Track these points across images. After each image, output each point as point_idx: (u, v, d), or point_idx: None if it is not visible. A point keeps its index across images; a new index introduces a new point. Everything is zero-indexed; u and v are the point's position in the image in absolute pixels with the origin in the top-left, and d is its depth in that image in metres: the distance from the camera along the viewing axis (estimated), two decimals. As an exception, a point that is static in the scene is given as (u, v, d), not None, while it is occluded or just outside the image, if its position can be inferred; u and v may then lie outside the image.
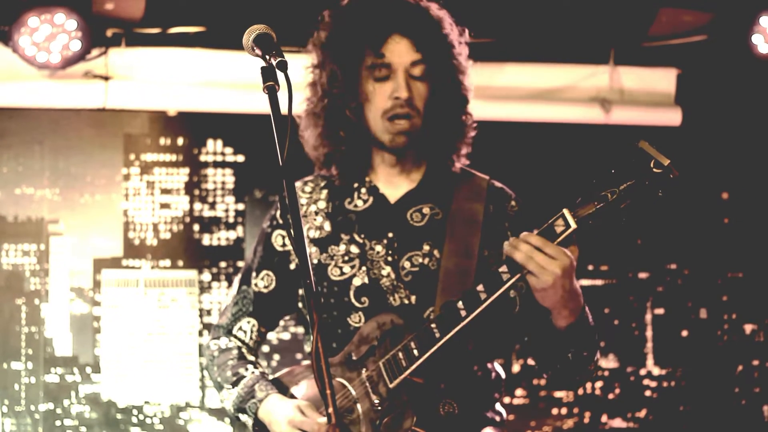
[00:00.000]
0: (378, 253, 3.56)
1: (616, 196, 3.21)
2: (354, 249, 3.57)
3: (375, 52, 3.51)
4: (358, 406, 3.40)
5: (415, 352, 3.33)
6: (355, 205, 3.64)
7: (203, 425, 6.28)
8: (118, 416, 6.19)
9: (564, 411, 6.68)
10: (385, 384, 3.38)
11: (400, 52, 3.51)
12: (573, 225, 3.23)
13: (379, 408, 3.37)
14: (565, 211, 3.25)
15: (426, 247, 3.55)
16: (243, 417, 3.52)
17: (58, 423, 6.12)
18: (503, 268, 3.26)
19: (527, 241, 3.23)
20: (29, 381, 6.12)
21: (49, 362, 6.15)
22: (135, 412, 6.21)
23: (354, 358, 3.45)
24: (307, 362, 3.68)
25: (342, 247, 3.58)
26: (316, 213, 3.66)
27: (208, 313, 6.35)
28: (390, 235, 3.57)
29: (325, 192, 3.69)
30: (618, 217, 3.22)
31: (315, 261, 3.58)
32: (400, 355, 3.36)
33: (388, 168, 3.65)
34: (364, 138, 3.59)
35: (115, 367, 6.23)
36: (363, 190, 3.64)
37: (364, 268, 3.54)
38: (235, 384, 3.55)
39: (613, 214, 3.21)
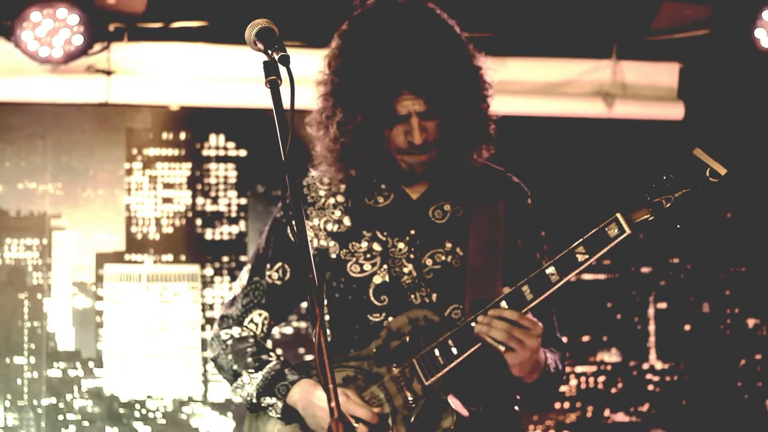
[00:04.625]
0: (400, 250, 3.53)
1: (671, 204, 3.21)
2: (376, 246, 3.54)
3: (386, 109, 3.44)
4: (390, 402, 3.38)
5: (454, 350, 3.32)
6: (376, 202, 3.60)
7: (206, 419, 6.28)
8: (121, 410, 6.20)
9: (567, 405, 6.68)
10: (420, 381, 3.35)
11: (412, 105, 3.43)
12: (627, 230, 3.23)
13: (414, 405, 3.35)
14: (619, 216, 3.23)
15: (448, 245, 3.53)
16: (269, 399, 3.46)
17: (60, 417, 6.12)
18: (551, 270, 3.26)
19: (503, 317, 3.25)
20: (32, 375, 6.13)
21: (52, 357, 6.16)
22: (138, 406, 6.22)
23: (382, 352, 3.43)
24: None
25: (364, 244, 3.55)
26: (335, 206, 3.62)
27: (211, 307, 6.36)
28: (412, 232, 3.55)
29: (343, 186, 3.64)
30: (672, 224, 3.22)
31: (333, 256, 3.55)
32: (437, 352, 3.33)
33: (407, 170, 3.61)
34: (384, 165, 3.55)
35: (117, 361, 6.24)
36: (383, 186, 3.61)
37: (385, 266, 3.51)
38: (258, 369, 3.50)
39: (668, 222, 3.22)
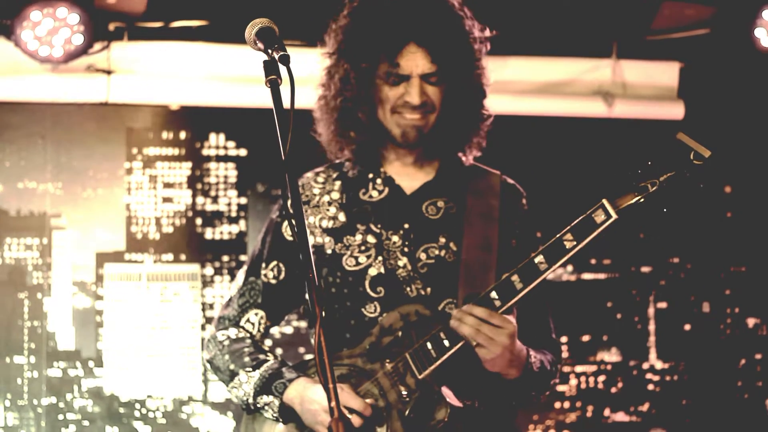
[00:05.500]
0: (395, 243, 3.55)
1: (656, 187, 3.23)
2: (371, 239, 3.56)
3: (390, 62, 3.49)
4: (384, 397, 3.39)
5: (446, 342, 3.34)
6: (370, 196, 3.63)
7: (206, 419, 6.28)
8: (121, 410, 6.20)
9: (567, 405, 6.68)
10: (413, 375, 3.38)
11: (415, 62, 3.48)
12: (614, 216, 3.25)
13: (408, 399, 3.37)
14: (605, 202, 3.26)
15: (442, 240, 3.56)
16: (266, 398, 3.48)
17: (60, 417, 6.12)
18: (539, 258, 3.27)
19: (472, 314, 3.28)
20: (32, 375, 6.12)
21: (52, 356, 6.16)
22: (138, 406, 6.22)
23: (375, 349, 3.45)
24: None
25: (358, 237, 3.57)
26: (329, 203, 3.65)
27: (211, 307, 6.36)
28: (406, 226, 3.57)
29: (338, 183, 3.68)
30: (659, 208, 3.22)
31: (329, 251, 3.58)
32: (429, 345, 3.36)
33: (402, 160, 3.64)
34: (377, 135, 3.58)
35: (117, 361, 6.24)
36: (378, 180, 3.64)
37: (380, 258, 3.53)
38: (255, 368, 3.52)
39: (654, 206, 3.23)
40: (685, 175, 3.20)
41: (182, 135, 6.42)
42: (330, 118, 3.62)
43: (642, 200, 3.24)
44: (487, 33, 3.64)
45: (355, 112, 3.56)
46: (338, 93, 3.58)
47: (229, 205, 6.44)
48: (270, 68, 2.83)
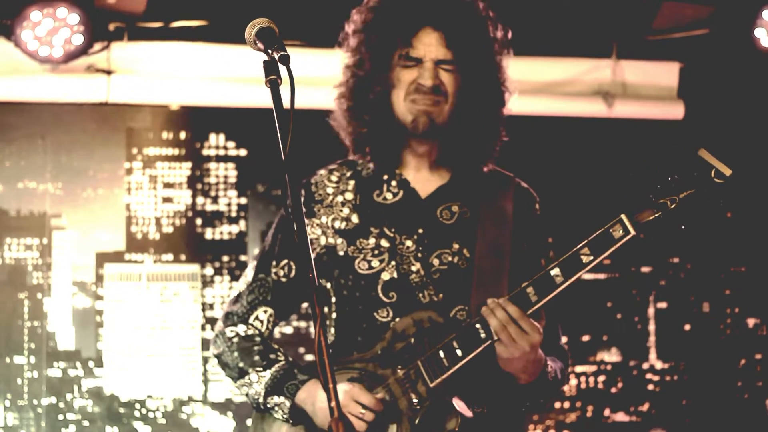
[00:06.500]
0: (408, 248, 3.52)
1: (676, 204, 3.21)
2: (384, 243, 3.53)
3: (405, 44, 3.48)
4: (395, 404, 3.37)
5: (458, 351, 3.32)
6: (385, 198, 3.60)
7: (206, 419, 6.28)
8: (121, 410, 6.20)
9: (567, 405, 6.68)
10: (425, 383, 3.35)
11: (430, 45, 3.48)
12: (632, 231, 3.25)
13: (418, 407, 3.35)
14: (623, 217, 3.25)
15: (455, 246, 3.53)
16: (277, 399, 3.46)
17: (60, 417, 6.12)
18: (555, 271, 3.29)
19: (505, 309, 3.27)
20: (32, 375, 6.13)
21: (52, 356, 6.16)
22: (138, 406, 6.22)
23: (387, 354, 3.42)
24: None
25: (372, 241, 3.54)
26: (343, 204, 3.61)
27: (211, 307, 6.36)
28: (420, 231, 3.54)
29: (352, 183, 3.64)
30: (677, 225, 3.22)
31: (341, 253, 3.55)
32: (442, 354, 3.33)
33: (418, 160, 3.60)
34: (390, 123, 3.55)
35: (117, 361, 6.24)
36: (393, 183, 3.60)
37: (393, 263, 3.50)
38: (266, 367, 3.50)
39: (673, 223, 3.22)
40: (706, 193, 3.18)
41: (182, 135, 6.42)
42: (345, 101, 3.59)
43: (661, 217, 3.23)
44: (510, 35, 3.64)
45: (367, 94, 3.53)
46: (352, 75, 3.57)
47: (229, 205, 6.44)
48: (270, 68, 2.83)
